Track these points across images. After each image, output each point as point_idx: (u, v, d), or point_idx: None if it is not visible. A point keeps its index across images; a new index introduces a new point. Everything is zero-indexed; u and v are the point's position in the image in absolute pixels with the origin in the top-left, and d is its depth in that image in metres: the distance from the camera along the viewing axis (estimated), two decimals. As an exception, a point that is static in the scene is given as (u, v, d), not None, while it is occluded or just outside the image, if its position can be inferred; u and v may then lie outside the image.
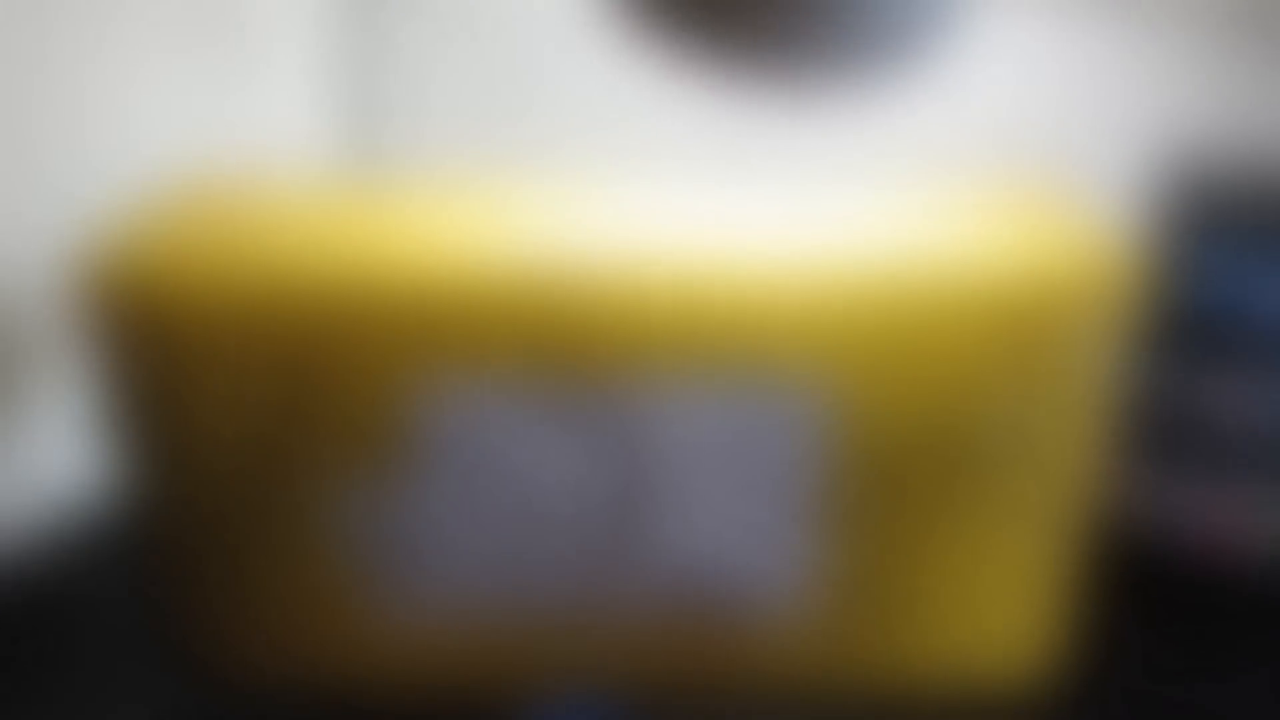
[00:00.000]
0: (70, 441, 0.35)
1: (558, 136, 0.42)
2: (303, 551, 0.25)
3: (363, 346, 0.23)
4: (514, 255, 0.23)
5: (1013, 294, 0.22)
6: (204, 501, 0.24)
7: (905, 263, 0.22)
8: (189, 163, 0.37)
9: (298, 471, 0.24)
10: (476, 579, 0.25)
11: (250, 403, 0.23)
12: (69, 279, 0.33)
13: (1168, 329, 0.31)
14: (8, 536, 0.33)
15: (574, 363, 0.23)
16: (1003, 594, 0.25)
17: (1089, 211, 0.25)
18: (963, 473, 0.24)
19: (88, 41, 0.33)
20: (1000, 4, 0.36)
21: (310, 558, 0.25)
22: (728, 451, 0.24)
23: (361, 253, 0.23)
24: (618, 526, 0.24)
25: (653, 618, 0.26)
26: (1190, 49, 0.35)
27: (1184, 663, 0.28)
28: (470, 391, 0.23)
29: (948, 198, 0.26)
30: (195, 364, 0.23)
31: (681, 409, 0.23)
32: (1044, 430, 0.24)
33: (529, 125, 0.43)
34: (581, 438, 0.23)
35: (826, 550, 0.25)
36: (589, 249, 0.23)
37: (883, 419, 0.23)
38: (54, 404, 0.34)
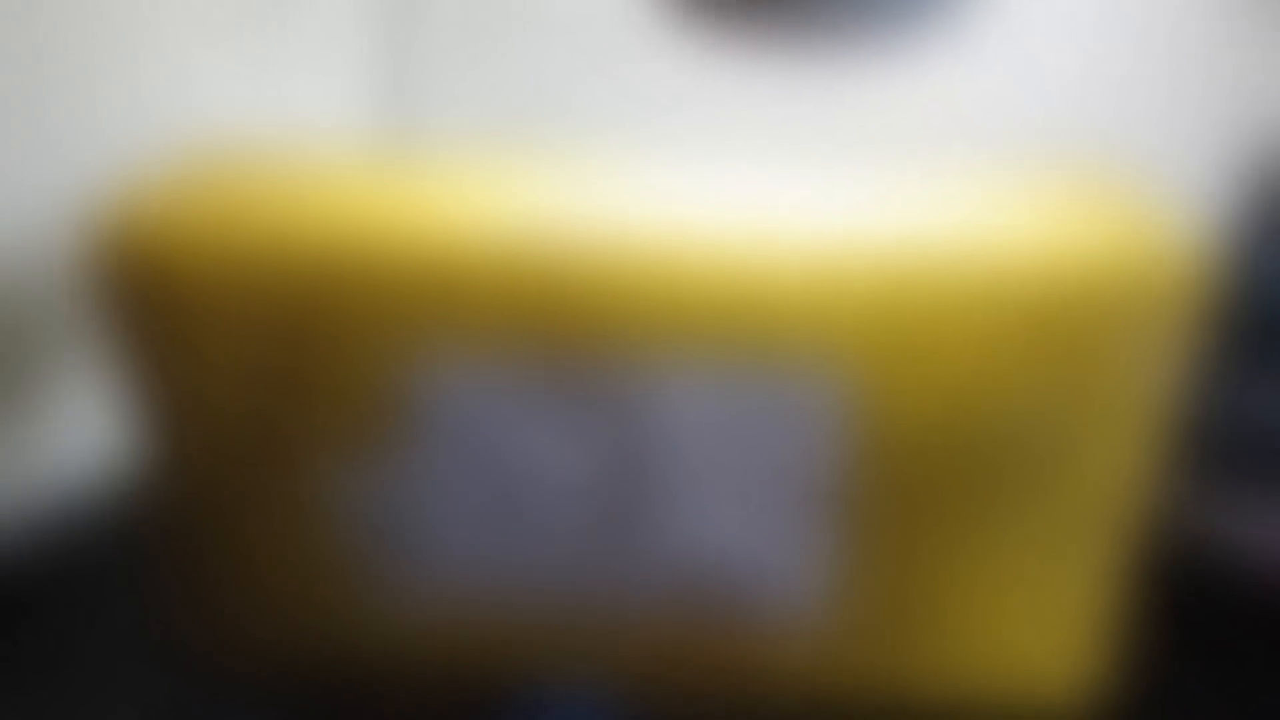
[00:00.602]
0: (78, 414, 0.35)
1: (584, 115, 0.42)
2: (303, 530, 0.25)
3: (369, 320, 0.22)
4: (524, 232, 0.22)
5: (1056, 285, 0.21)
6: (207, 477, 0.24)
7: (937, 247, 0.21)
8: (210, 132, 0.37)
9: (301, 447, 0.24)
10: (476, 561, 0.25)
11: (256, 373, 0.23)
12: (83, 247, 0.33)
13: (1231, 332, 0.29)
14: (12, 513, 0.33)
15: (585, 342, 0.22)
16: (1037, 611, 0.24)
17: (1149, 202, 0.23)
18: (994, 475, 0.22)
19: (121, 12, 0.33)
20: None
21: (311, 537, 0.25)
22: (739, 438, 0.23)
23: (375, 226, 0.22)
24: (622, 512, 0.24)
25: (655, 609, 0.25)
26: (1272, 33, 0.33)
27: (1238, 691, 0.26)
28: (478, 369, 0.22)
29: (992, 182, 0.25)
30: (199, 332, 0.23)
31: (694, 393, 0.22)
32: (1088, 435, 0.22)
33: (555, 104, 0.42)
34: (590, 420, 0.23)
35: (841, 549, 0.24)
36: (601, 226, 0.22)
37: (906, 411, 0.22)
38: (63, 378, 0.34)
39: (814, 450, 0.23)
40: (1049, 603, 0.24)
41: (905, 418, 0.22)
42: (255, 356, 0.23)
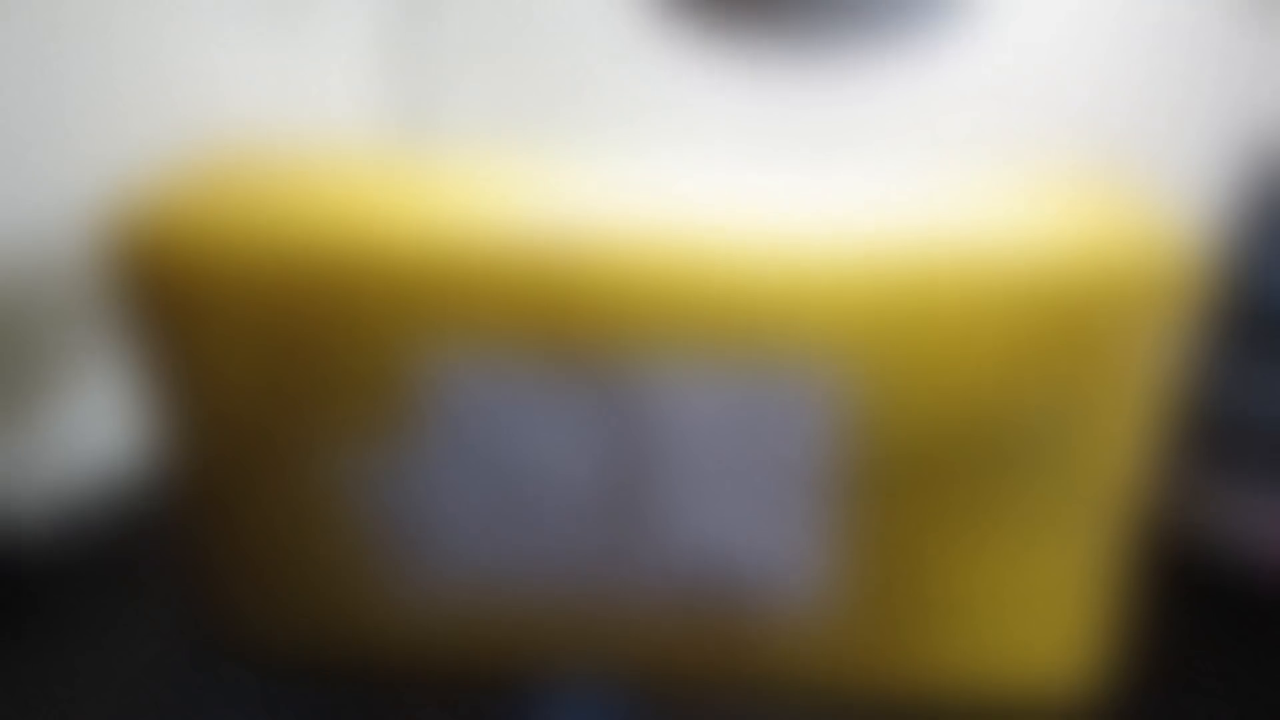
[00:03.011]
0: (98, 405, 0.35)
1: (591, 115, 0.42)
2: (315, 521, 0.25)
3: (380, 314, 0.23)
4: (531, 228, 0.22)
5: (1058, 281, 0.21)
6: (222, 468, 0.24)
7: (939, 243, 0.21)
8: (225, 129, 0.38)
9: (313, 439, 0.24)
10: (483, 552, 0.25)
11: (269, 366, 0.23)
12: (97, 242, 0.33)
13: (1229, 328, 0.29)
14: (35, 504, 0.33)
15: (591, 338, 0.22)
16: (1038, 604, 0.24)
17: (1150, 200, 0.24)
18: (996, 469, 0.23)
19: (137, 10, 0.33)
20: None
21: (323, 527, 0.25)
22: (742, 434, 0.23)
23: (386, 221, 0.23)
24: (627, 505, 0.24)
25: (659, 601, 0.25)
26: (1272, 33, 0.33)
27: (1237, 681, 0.27)
28: (486, 364, 0.23)
29: (995, 180, 0.25)
30: (213, 325, 0.23)
31: (698, 389, 0.22)
32: (1089, 429, 0.22)
33: (561, 103, 0.42)
34: (596, 415, 0.23)
35: (844, 544, 0.24)
36: (606, 224, 0.22)
37: (908, 407, 0.22)
38: (83, 371, 0.35)
39: (816, 445, 0.23)
40: (1051, 597, 0.24)
41: (906, 413, 0.22)
42: (269, 350, 0.23)
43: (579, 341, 0.22)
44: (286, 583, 0.26)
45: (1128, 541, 0.24)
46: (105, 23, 0.33)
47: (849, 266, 0.21)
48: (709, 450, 0.23)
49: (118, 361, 0.36)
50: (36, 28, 0.31)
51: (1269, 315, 0.28)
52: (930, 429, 0.22)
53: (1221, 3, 0.34)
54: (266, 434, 0.24)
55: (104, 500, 0.34)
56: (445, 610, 0.26)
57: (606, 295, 0.22)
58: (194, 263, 0.22)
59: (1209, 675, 0.27)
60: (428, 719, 0.25)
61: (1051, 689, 0.25)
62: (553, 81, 0.42)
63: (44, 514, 0.33)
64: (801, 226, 0.22)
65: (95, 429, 0.35)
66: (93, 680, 0.26)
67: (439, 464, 0.24)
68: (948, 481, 0.23)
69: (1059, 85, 0.37)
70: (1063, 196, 0.24)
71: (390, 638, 0.26)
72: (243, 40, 0.38)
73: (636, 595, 0.25)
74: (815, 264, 0.21)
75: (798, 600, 0.25)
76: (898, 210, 0.23)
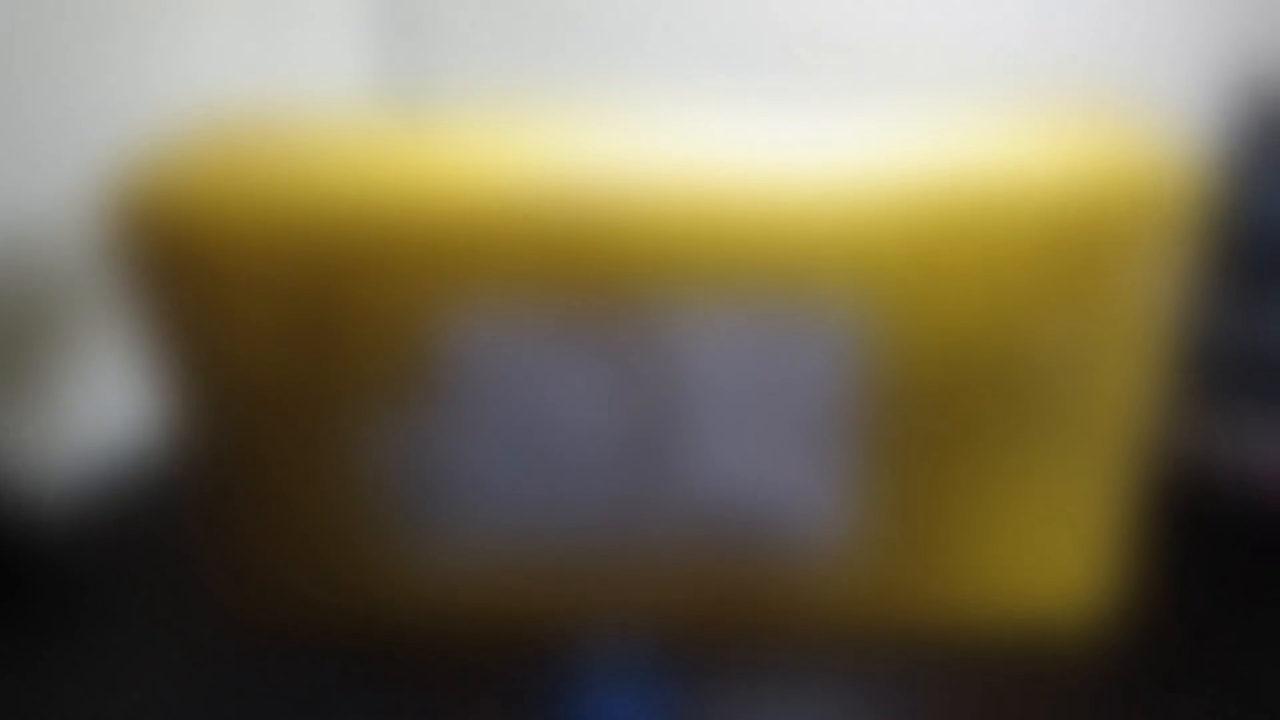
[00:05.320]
0: (112, 381, 0.35)
1: (592, 58, 0.42)
2: (340, 485, 0.25)
3: (395, 274, 0.23)
4: (543, 181, 0.22)
5: (1063, 212, 0.21)
6: (242, 438, 0.25)
7: (948, 178, 0.22)
8: (227, 97, 0.37)
9: (331, 404, 0.24)
10: (508, 512, 0.25)
11: (286, 333, 0.23)
12: (104, 212, 0.33)
13: (1230, 254, 0.29)
14: (52, 480, 0.34)
15: (606, 288, 0.22)
16: (1052, 529, 0.25)
17: (1149, 129, 0.24)
18: (1008, 400, 0.23)
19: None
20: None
21: (348, 491, 0.25)
22: (762, 377, 0.23)
23: (393, 182, 0.23)
24: (650, 456, 0.24)
25: (686, 551, 0.25)
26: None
27: (1242, 600, 0.27)
28: (503, 321, 0.23)
29: (999, 112, 0.25)
30: (227, 293, 0.23)
31: (716, 334, 0.23)
32: (1095, 357, 0.23)
33: (563, 47, 0.42)
34: (615, 366, 0.23)
35: (864, 480, 0.24)
36: (618, 171, 0.22)
37: (923, 342, 0.23)
38: (98, 346, 0.35)
39: (836, 383, 0.23)
40: (1063, 525, 0.25)
41: (923, 348, 0.23)
42: (284, 317, 0.23)
43: (598, 289, 0.22)
44: (312, 550, 0.26)
45: (1136, 469, 0.24)
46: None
47: (862, 203, 0.22)
48: (732, 393, 0.23)
49: (132, 335, 0.36)
50: (36, 7, 0.30)
51: (1268, 243, 0.28)
52: (946, 362, 0.23)
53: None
54: (287, 399, 0.24)
55: (123, 474, 0.34)
56: (475, 570, 0.26)
57: (624, 240, 0.22)
58: (206, 229, 0.23)
59: (1213, 600, 0.27)
60: (461, 685, 0.25)
61: (1065, 617, 0.26)
62: (553, 19, 0.42)
63: (61, 490, 0.33)
64: (815, 165, 0.22)
65: (111, 403, 0.36)
66: (114, 656, 0.27)
67: (463, 422, 0.24)
68: (965, 416, 0.23)
69: (1060, 16, 0.37)
70: (1065, 127, 0.24)
71: (419, 601, 0.27)
72: (236, 6, 0.37)
73: (666, 542, 0.25)
74: (829, 202, 0.22)
75: (821, 538, 0.25)
76: (908, 146, 0.23)
